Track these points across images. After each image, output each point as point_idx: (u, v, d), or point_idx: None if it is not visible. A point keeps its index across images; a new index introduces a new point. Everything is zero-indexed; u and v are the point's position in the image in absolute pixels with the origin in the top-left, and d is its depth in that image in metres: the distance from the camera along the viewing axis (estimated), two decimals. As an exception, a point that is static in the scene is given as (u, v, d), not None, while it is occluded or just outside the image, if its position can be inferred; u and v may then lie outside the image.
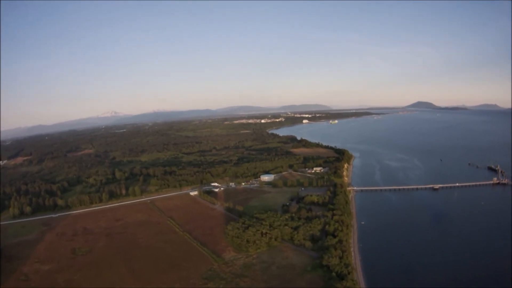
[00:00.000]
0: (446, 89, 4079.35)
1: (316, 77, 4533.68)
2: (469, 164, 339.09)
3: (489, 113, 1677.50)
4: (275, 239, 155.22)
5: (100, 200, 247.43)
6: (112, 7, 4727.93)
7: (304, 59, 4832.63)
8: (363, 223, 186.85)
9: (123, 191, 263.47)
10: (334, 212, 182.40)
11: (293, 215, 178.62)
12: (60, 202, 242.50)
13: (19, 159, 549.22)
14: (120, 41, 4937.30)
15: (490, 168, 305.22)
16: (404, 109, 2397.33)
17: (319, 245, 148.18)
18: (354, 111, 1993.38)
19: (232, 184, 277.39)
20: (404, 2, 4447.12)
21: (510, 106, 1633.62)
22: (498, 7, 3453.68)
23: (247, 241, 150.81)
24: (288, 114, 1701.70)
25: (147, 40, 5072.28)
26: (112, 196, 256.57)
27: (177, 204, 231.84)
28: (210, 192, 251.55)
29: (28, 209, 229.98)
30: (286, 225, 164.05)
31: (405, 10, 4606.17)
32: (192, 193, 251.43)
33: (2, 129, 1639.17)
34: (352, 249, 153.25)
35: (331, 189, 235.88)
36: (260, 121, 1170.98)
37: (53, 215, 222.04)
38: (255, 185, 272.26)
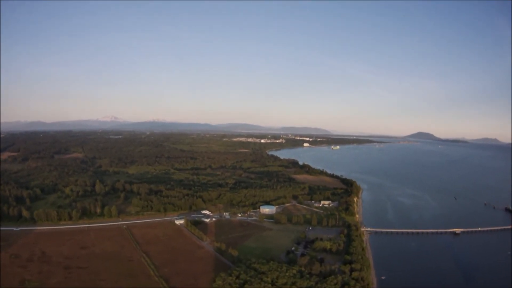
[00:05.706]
0: (446, 122, 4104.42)
1: (318, 101, 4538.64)
2: (485, 204, 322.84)
3: (491, 147, 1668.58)
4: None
5: (70, 218, 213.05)
6: (126, 15, 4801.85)
7: (307, 83, 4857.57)
8: (383, 277, 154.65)
9: (98, 210, 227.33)
10: (353, 266, 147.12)
11: (302, 269, 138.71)
12: (25, 213, 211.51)
13: (5, 155, 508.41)
14: (127, 48, 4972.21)
15: (507, 210, 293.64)
16: (404, 139, 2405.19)
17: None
18: (355, 137, 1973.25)
19: (226, 214, 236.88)
20: (410, 35, 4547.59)
21: (510, 141, 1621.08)
22: (499, 45, 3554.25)
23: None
24: (288, 135, 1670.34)
25: (153, 49, 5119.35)
26: (85, 213, 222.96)
27: (158, 234, 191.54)
28: (199, 223, 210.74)
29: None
30: (293, 284, 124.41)
31: (410, 44, 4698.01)
32: (177, 222, 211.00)
33: (1, 120, 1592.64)
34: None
35: (345, 231, 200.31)
36: (260, 140, 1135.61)
37: (15, 229, 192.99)
38: (254, 218, 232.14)
